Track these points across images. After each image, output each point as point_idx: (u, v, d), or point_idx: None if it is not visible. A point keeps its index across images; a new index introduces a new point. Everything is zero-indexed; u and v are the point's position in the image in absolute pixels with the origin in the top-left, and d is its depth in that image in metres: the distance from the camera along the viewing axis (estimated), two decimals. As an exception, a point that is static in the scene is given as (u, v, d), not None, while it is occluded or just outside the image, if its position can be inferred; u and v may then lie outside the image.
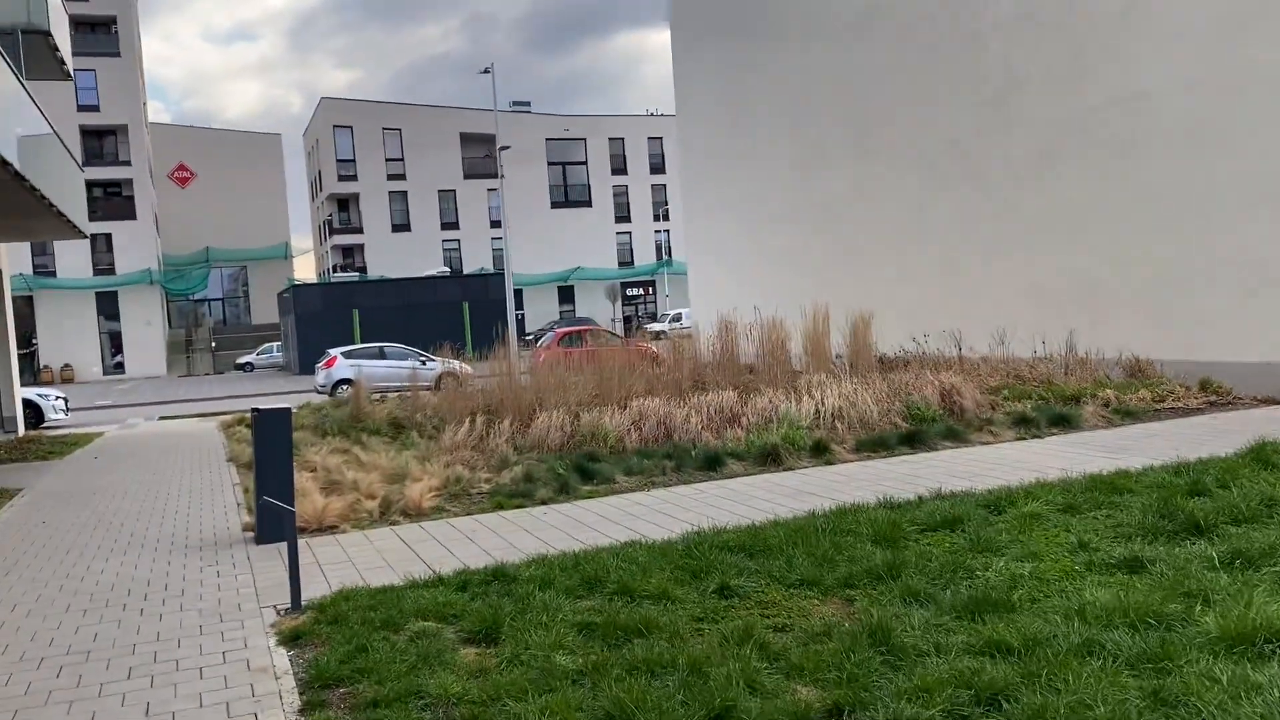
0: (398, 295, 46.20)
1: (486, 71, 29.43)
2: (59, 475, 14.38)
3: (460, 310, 46.64)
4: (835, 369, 15.34)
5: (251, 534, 9.13)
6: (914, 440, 11.38)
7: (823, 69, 22.08)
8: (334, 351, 29.76)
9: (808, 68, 22.60)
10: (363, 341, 40.12)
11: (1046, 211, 16.66)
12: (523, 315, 57.51)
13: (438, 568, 7.25)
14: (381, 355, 30.03)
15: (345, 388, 28.72)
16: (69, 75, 22.60)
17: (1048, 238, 16.58)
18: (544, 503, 9.71)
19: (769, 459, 10.80)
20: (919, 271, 19.56)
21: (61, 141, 18.52)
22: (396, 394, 28.16)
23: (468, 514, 9.45)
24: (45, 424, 25.76)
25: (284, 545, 8.42)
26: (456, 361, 32.24)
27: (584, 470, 10.70)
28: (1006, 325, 16.44)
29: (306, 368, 43.03)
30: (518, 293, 48.94)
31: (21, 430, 22.71)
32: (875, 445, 11.26)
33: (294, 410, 22.04)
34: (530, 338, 58.61)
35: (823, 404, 12.56)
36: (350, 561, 7.81)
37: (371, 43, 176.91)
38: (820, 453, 11.05)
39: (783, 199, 23.76)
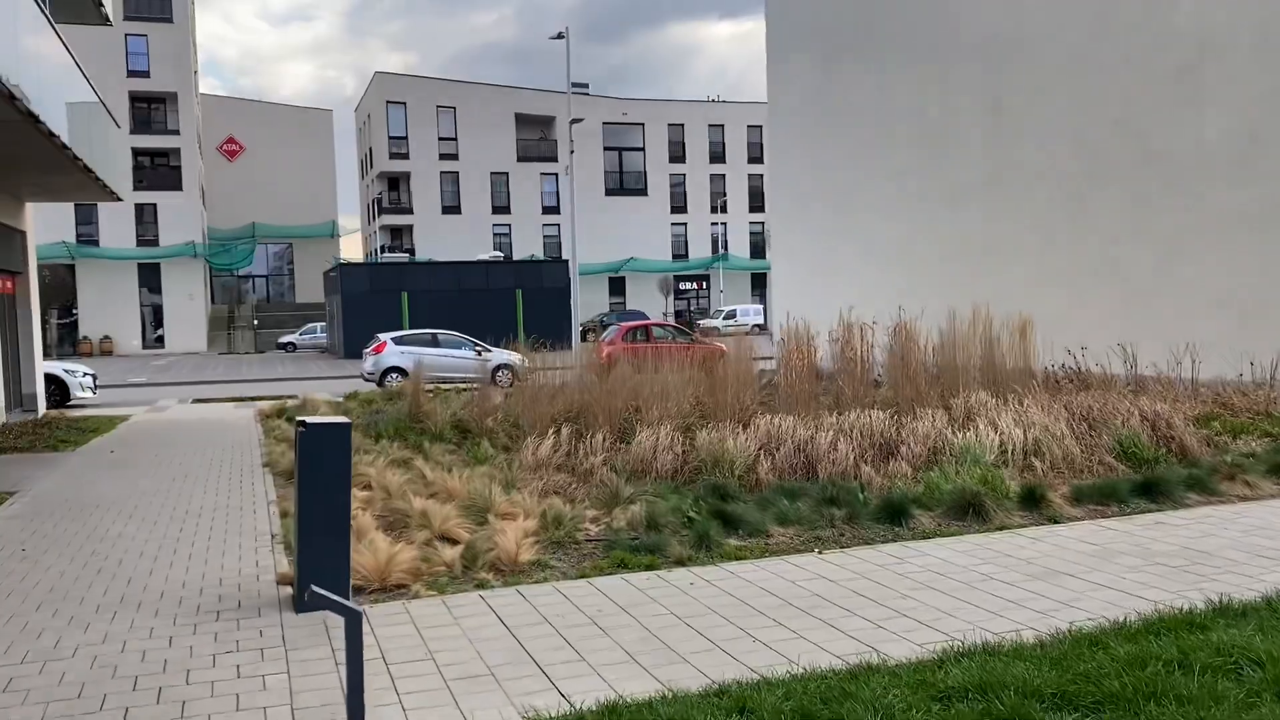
0: (449, 279, 43.94)
1: (560, 36, 26.95)
2: (65, 475, 12.05)
3: (513, 298, 44.32)
4: (994, 385, 12.63)
5: (288, 589, 6.70)
6: (1151, 491, 8.69)
7: (953, 33, 19.30)
8: (384, 336, 27.46)
9: (935, 32, 19.83)
10: (410, 326, 37.91)
11: (1249, 206, 13.82)
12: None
13: (567, 688, 4.75)
14: (435, 343, 27.70)
15: (395, 376, 26.44)
16: (106, 19, 20.40)
17: (1252, 238, 13.75)
18: (681, 563, 7.15)
19: (968, 511, 8.17)
20: (1069, 272, 16.78)
21: (90, 83, 16.26)
22: (450, 387, 25.89)
23: (581, 574, 6.93)
24: (70, 402, 23.70)
25: (329, 614, 5.99)
26: (515, 354, 29.90)
27: (721, 514, 8.13)
28: (1192, 340, 13.64)
29: (352, 351, 40.89)
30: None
31: (42, 409, 20.59)
32: (1101, 495, 8.59)
33: (341, 401, 19.70)
34: (582, 330, 56.32)
35: (1009, 435, 9.90)
36: (432, 659, 5.32)
37: (426, 28, 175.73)
38: (1032, 503, 8.40)
39: (894, 187, 21.03)
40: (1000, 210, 18.40)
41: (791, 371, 12.38)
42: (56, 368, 24.15)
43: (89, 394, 24.14)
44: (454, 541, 7.61)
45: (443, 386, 25.07)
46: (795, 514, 8.21)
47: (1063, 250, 17.07)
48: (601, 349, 29.79)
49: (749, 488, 9.35)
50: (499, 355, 28.22)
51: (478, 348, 27.96)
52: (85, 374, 24.30)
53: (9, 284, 19.85)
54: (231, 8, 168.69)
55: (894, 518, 8.06)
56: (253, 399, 25.09)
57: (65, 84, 15.16)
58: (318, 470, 6.24)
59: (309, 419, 6.47)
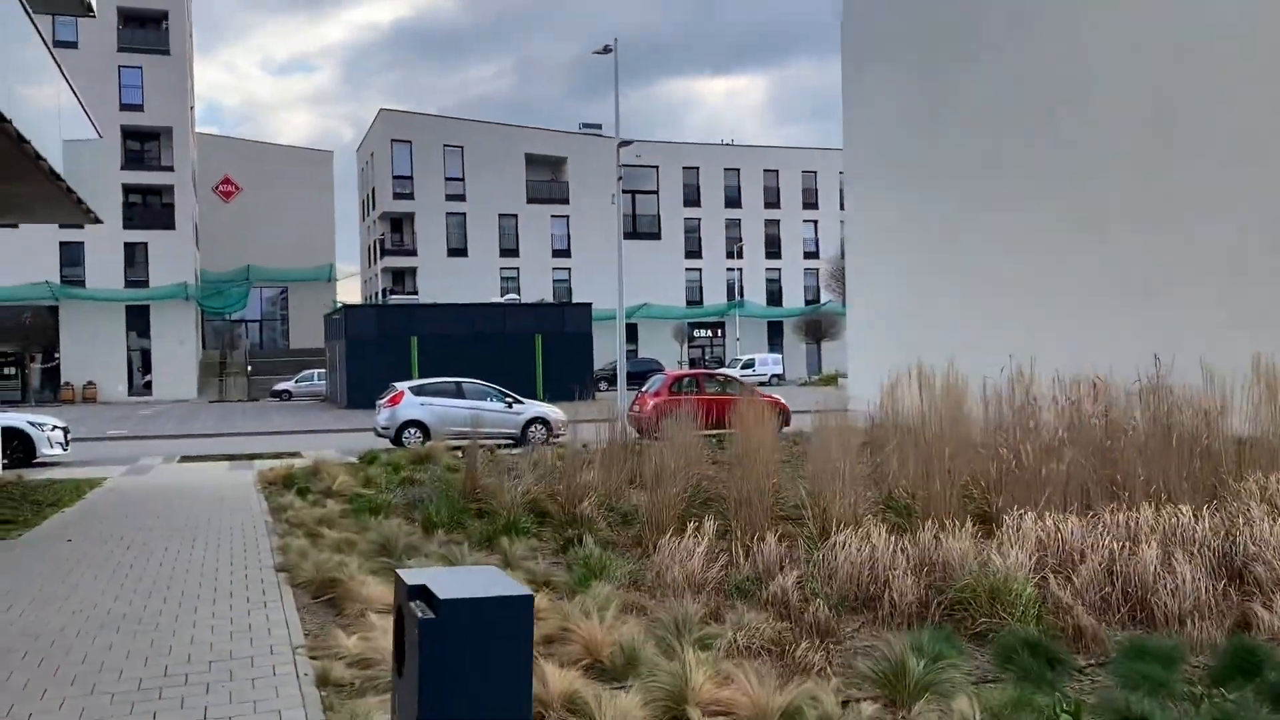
0: (462, 323, 40.55)
1: (607, 50, 23.91)
2: (-6, 582, 8.51)
3: (531, 344, 40.98)
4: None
5: None
6: None
7: (1097, 30, 16.18)
8: (400, 386, 23.99)
9: (1068, 31, 16.72)
10: (420, 373, 34.46)
11: None
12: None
13: None
14: (459, 393, 24.23)
15: (413, 431, 22.95)
16: (89, 9, 17.19)
17: None
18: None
19: None
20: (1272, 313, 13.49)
21: (58, 63, 12.96)
22: (478, 445, 22.36)
23: None
24: (36, 459, 20.13)
25: None
26: (549, 406, 26.40)
27: None
28: None
29: (356, 401, 37.34)
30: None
31: (-3, 472, 17.04)
32: None
33: (357, 463, 16.20)
34: (602, 380, 52.86)
35: None
36: None
37: (424, 80, 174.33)
38: None
39: (1010, 219, 17.78)
40: (1165, 241, 15.16)
41: (1020, 443, 8.90)
42: (20, 420, 20.62)
43: (59, 450, 20.58)
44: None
45: (480, 444, 21.56)
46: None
47: (1261, 286, 13.81)
48: (645, 401, 26.38)
49: (1063, 636, 5.92)
50: (532, 408, 24.79)
51: (507, 399, 24.55)
52: (55, 427, 20.74)
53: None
54: (234, 57, 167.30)
55: None
56: (249, 457, 21.58)
57: (30, 74, 11.91)
58: (463, 696, 2.78)
59: (430, 582, 3.02)
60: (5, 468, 18.73)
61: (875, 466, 9.30)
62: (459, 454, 19.16)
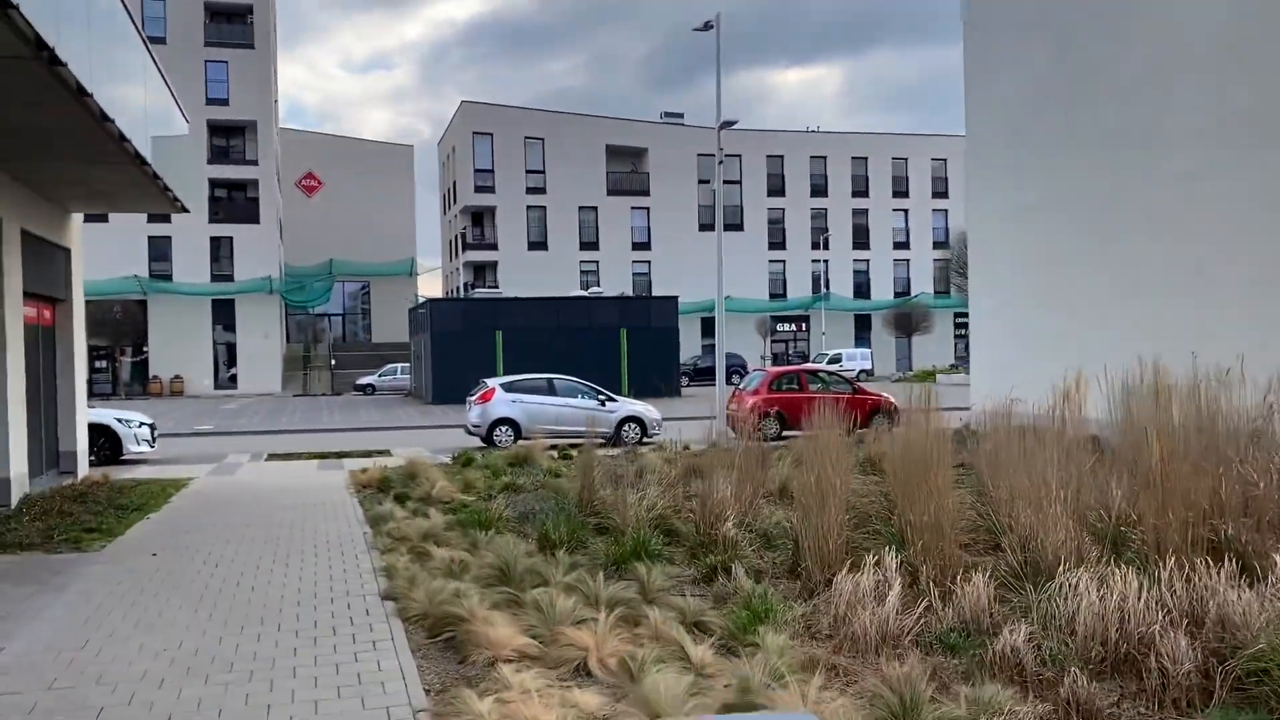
0: (547, 316, 39.61)
1: (709, 26, 22.60)
2: (64, 613, 7.55)
3: (617, 338, 39.87)
4: None
5: None
6: None
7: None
8: (491, 383, 23.01)
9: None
10: (505, 368, 33.61)
11: None
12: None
13: None
14: (550, 390, 23.16)
15: (505, 430, 21.96)
16: None
17: None
18: None
19: None
20: None
21: (145, 41, 12.12)
22: (568, 443, 21.31)
23: None
24: (124, 457, 19.62)
25: None
26: (644, 404, 25.20)
27: None
28: None
29: (442, 396, 36.69)
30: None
31: (83, 470, 16.44)
32: None
33: (449, 463, 15.20)
34: (683, 375, 51.55)
35: None
36: None
37: (499, 76, 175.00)
38: None
39: (1168, 197, 15.98)
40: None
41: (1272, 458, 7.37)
42: (107, 416, 20.10)
43: (146, 447, 20.05)
44: None
45: (562, 443, 20.59)
46: None
47: None
48: (743, 399, 25.03)
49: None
50: (625, 406, 23.63)
51: (600, 396, 23.42)
52: (141, 423, 20.20)
53: (47, 313, 15.81)
54: (315, 56, 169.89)
55: None
56: (337, 455, 20.81)
57: (115, 55, 11.07)
58: None
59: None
60: (93, 465, 18.21)
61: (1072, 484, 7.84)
62: (554, 454, 18.18)
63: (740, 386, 26.06)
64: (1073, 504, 6.90)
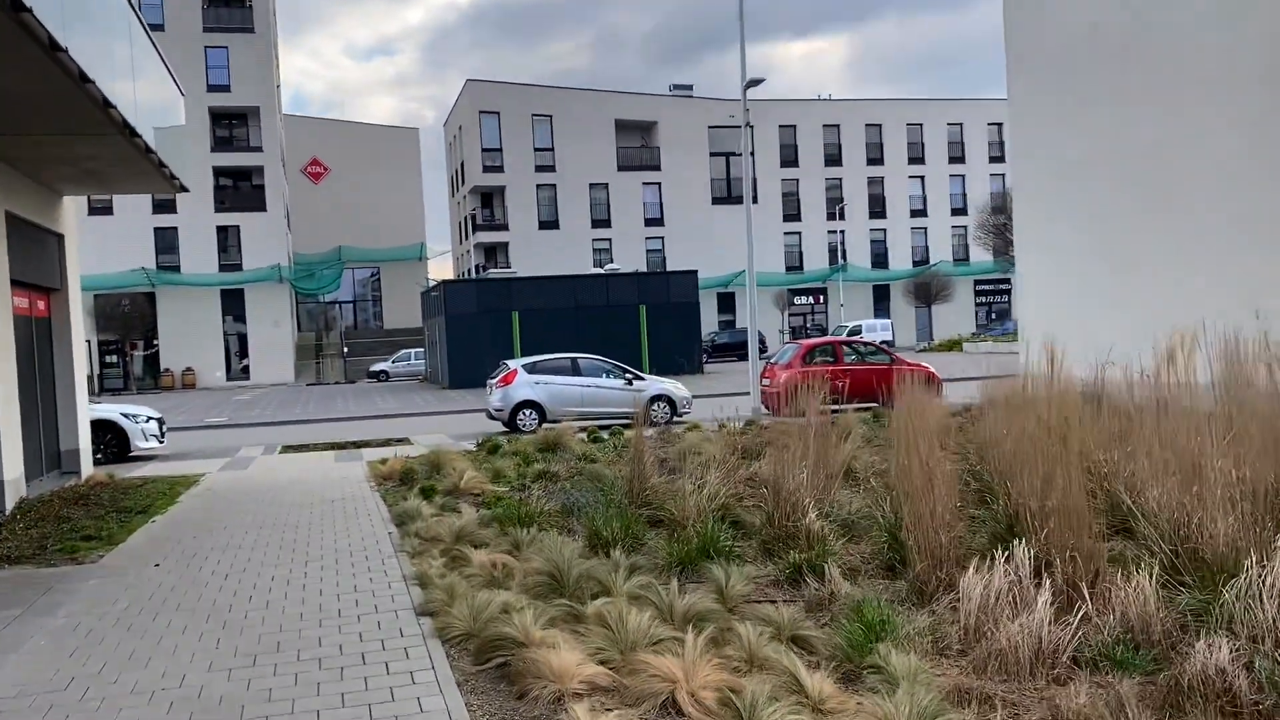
0: (563, 295, 38.50)
1: (730, -20, 21.35)
2: (50, 642, 6.52)
3: (636, 315, 38.76)
4: None
5: None
6: None
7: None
8: (513, 364, 21.95)
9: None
10: (523, 349, 32.55)
11: None
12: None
13: None
14: (575, 370, 22.10)
15: (529, 413, 20.93)
16: None
17: None
18: None
19: None
20: None
21: (138, 15, 11.02)
22: (596, 424, 20.24)
23: None
24: (132, 453, 18.66)
25: None
26: (672, 382, 24.11)
27: None
28: None
29: (459, 380, 35.69)
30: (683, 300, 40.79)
31: (87, 470, 15.46)
32: None
33: (474, 451, 14.14)
34: (706, 350, 50.38)
35: None
36: None
37: (503, 59, 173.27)
38: None
39: (1234, 144, 14.73)
40: None
41: None
42: (113, 411, 19.13)
43: (155, 443, 19.07)
44: None
45: (593, 425, 19.53)
46: None
47: None
48: (775, 374, 23.89)
49: None
50: (654, 384, 22.55)
51: (626, 375, 22.35)
52: (149, 418, 19.22)
53: (40, 304, 14.78)
54: (319, 44, 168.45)
55: None
56: (355, 445, 19.79)
57: (98, 18, 10.00)
58: None
59: None
60: (99, 463, 17.26)
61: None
62: (584, 437, 17.12)
63: (772, 360, 24.93)
64: (1233, 485, 5.78)
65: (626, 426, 20.68)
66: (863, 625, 5.27)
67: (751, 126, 65.08)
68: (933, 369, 23.72)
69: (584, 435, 17.16)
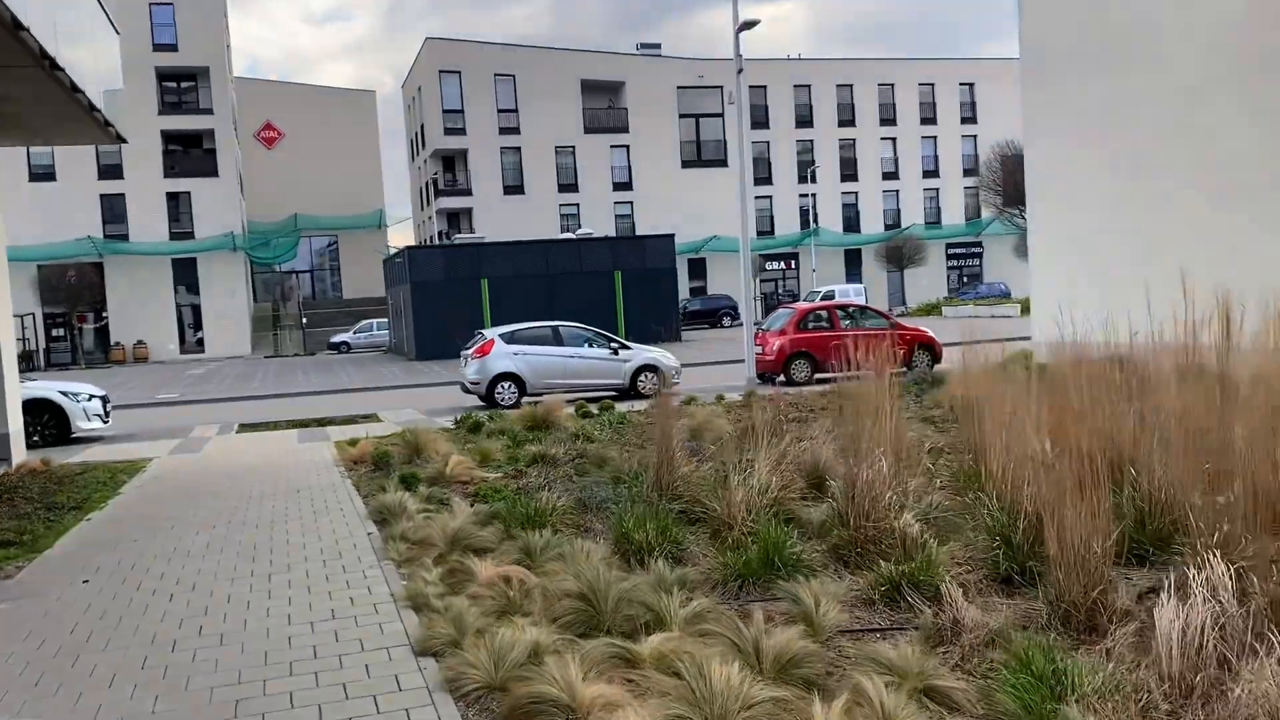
0: (535, 261, 36.87)
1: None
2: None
3: (611, 281, 37.24)
4: None
5: None
6: None
7: None
8: (490, 333, 20.40)
9: None
10: (493, 318, 30.93)
11: None
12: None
13: None
14: (556, 339, 20.62)
15: (508, 386, 19.46)
16: None
17: None
18: None
19: None
20: None
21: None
22: (580, 397, 18.81)
23: None
24: (74, 435, 16.98)
25: None
26: (660, 351, 22.68)
27: None
28: None
29: (427, 351, 34.01)
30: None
31: (19, 456, 13.77)
32: None
33: (454, 429, 12.62)
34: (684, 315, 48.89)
35: None
36: None
37: (461, 22, 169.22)
38: None
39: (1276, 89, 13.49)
40: None
41: None
42: (51, 390, 17.41)
43: (99, 423, 17.39)
44: None
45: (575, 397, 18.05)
46: None
47: None
48: (768, 341, 22.57)
49: None
50: (640, 353, 21.12)
51: (612, 344, 20.92)
52: (91, 396, 17.50)
53: (-42, 271, 13.02)
54: (272, 9, 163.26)
55: None
56: (319, 422, 18.25)
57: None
58: None
59: None
60: (35, 447, 15.57)
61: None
62: (573, 412, 15.71)
63: (764, 326, 23.62)
64: None
65: (614, 399, 19.34)
66: (1031, 677, 3.90)
67: (720, 88, 63.17)
68: (930, 333, 22.55)
69: (572, 410, 15.73)
